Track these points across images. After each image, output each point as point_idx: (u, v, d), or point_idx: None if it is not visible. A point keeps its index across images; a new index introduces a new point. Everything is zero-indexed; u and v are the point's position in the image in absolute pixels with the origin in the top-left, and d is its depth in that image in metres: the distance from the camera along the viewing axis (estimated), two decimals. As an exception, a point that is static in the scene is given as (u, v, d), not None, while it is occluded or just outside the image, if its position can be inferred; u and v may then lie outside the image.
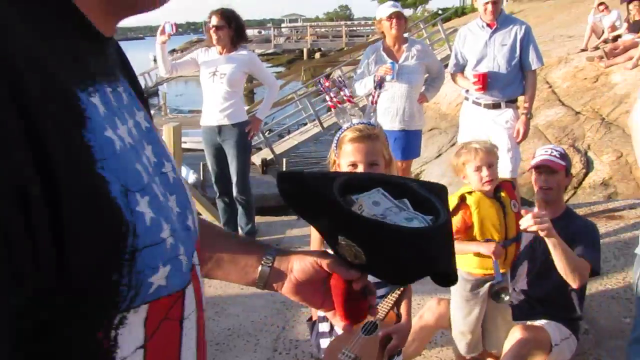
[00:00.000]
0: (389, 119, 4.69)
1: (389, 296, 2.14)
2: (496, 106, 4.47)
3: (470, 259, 2.64)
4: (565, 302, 2.94)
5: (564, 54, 11.33)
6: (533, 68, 4.45)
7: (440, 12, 31.61)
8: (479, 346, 2.85)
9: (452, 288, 2.76)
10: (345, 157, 2.10)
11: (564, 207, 3.07)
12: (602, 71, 10.01)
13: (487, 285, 2.65)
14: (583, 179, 7.12)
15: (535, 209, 2.84)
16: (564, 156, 3.00)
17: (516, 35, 4.42)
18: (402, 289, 2.15)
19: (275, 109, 16.76)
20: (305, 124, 16.66)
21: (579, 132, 8.24)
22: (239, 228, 5.09)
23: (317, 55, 35.74)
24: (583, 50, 11.50)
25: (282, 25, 65.26)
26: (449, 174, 9.35)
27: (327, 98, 2.32)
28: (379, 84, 4.29)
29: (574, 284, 2.81)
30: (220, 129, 4.78)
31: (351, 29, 42.07)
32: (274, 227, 5.59)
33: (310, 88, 19.87)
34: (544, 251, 2.85)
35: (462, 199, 2.62)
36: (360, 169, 2.07)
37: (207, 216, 5.45)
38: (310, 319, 2.37)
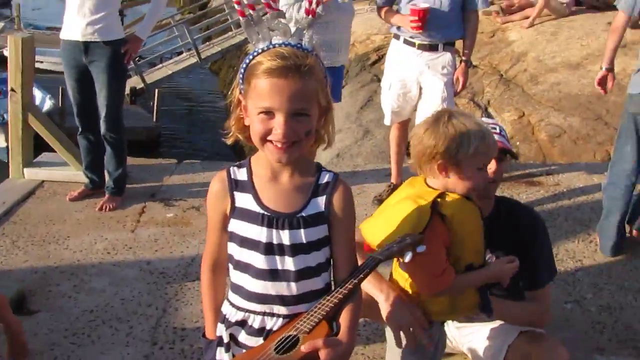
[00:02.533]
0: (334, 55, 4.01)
1: (320, 305, 1.44)
2: (433, 48, 3.79)
3: None
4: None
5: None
6: (478, 8, 3.82)
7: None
8: None
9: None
10: (257, 99, 1.34)
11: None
12: (498, 27, 9.82)
13: None
14: (485, 137, 6.81)
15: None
16: (503, 132, 2.25)
17: None
18: (341, 296, 1.44)
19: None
20: (181, 53, 15.30)
21: (478, 87, 7.94)
22: (106, 173, 4.07)
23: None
24: (479, 3, 11.30)
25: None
26: (338, 120, 8.77)
27: None
28: None
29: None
30: (87, 46, 3.71)
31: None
32: (149, 173, 4.62)
33: (187, 15, 18.31)
34: None
35: (435, 206, 1.68)
36: (278, 120, 1.32)
37: (64, 156, 4.35)
38: (204, 335, 1.63)
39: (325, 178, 1.49)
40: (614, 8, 10.59)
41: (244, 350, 1.50)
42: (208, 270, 1.59)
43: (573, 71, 7.76)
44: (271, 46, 1.36)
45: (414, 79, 3.88)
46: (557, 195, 4.44)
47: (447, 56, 3.83)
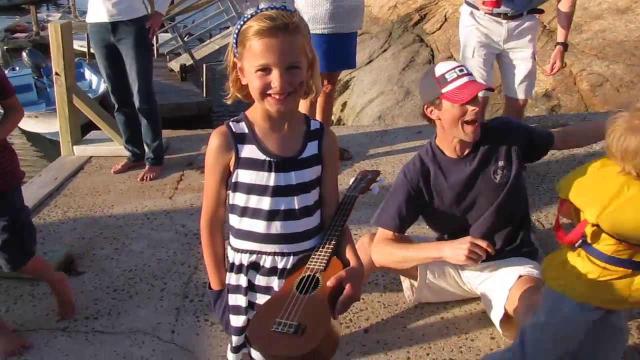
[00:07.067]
0: (352, 19, 3.96)
1: (324, 244, 1.58)
2: (515, 17, 3.58)
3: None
4: (523, 235, 2.52)
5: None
6: None
7: None
8: None
9: None
10: (252, 59, 1.47)
11: None
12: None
13: None
14: (525, 90, 6.69)
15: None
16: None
17: None
18: (338, 233, 1.59)
19: (194, 11, 15.42)
20: (228, 27, 15.48)
21: (520, 40, 7.77)
22: (145, 145, 4.33)
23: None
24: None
25: None
26: (380, 82, 8.76)
27: None
28: None
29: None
30: (114, 26, 3.94)
31: None
32: (187, 143, 4.85)
33: (234, -11, 18.50)
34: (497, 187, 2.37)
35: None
36: (274, 75, 1.45)
37: (108, 132, 4.64)
38: (209, 286, 1.77)
39: (315, 125, 1.64)
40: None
41: (258, 295, 1.63)
42: (208, 228, 1.69)
43: (620, 16, 7.43)
44: (258, 11, 1.48)
45: (495, 48, 3.71)
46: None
47: (530, 23, 3.64)
